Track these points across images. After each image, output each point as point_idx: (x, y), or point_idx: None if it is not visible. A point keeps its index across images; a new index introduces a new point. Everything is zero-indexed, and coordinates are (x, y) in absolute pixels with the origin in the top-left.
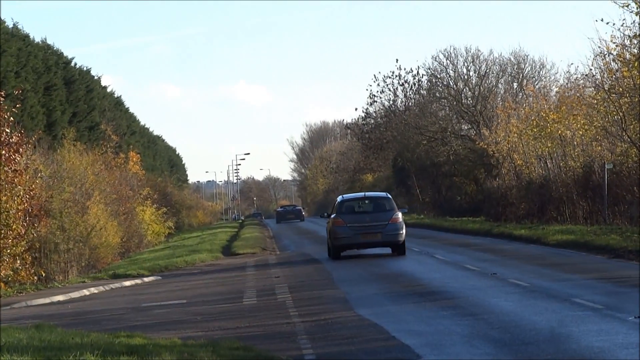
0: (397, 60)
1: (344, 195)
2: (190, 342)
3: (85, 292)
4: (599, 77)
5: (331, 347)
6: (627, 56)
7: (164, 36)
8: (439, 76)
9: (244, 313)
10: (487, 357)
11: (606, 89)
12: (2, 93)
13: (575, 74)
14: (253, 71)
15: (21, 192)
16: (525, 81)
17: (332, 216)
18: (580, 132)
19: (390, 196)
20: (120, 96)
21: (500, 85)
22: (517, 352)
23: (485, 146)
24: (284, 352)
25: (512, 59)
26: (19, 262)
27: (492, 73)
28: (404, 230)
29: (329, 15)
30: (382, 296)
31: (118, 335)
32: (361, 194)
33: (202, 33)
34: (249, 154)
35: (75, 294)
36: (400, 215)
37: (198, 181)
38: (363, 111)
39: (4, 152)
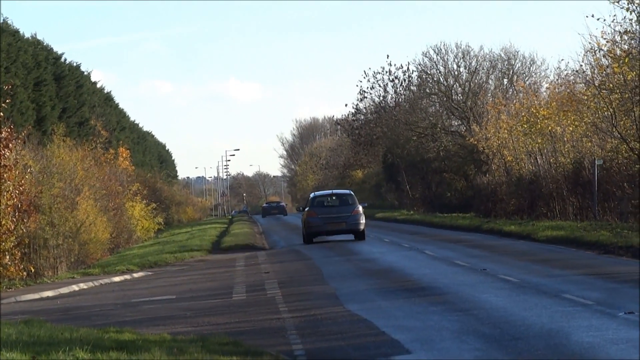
0: (387, 56)
1: (315, 193)
2: (180, 338)
3: (75, 287)
4: (589, 73)
5: (321, 343)
6: (618, 52)
7: (156, 33)
8: (429, 72)
9: (234, 308)
10: (476, 352)
11: (596, 85)
12: None
13: (565, 70)
14: (243, 68)
15: (10, 188)
16: (515, 77)
17: (306, 209)
18: (571, 128)
19: (352, 193)
20: (110, 92)
21: (490, 81)
22: (507, 347)
23: (476, 142)
24: (273, 348)
25: (503, 55)
26: (8, 257)
27: (483, 69)
28: (363, 220)
29: (319, 11)
30: (372, 292)
31: (107, 330)
32: (329, 191)
33: (193, 30)
34: (238, 149)
35: (64, 290)
36: (360, 208)
37: (188, 177)
38: (353, 107)
39: None
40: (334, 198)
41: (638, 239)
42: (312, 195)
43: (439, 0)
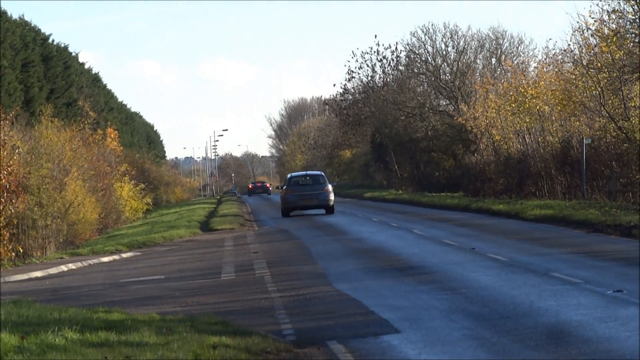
0: (375, 36)
1: (292, 174)
2: (169, 318)
3: (63, 268)
4: (577, 52)
5: (309, 322)
6: (606, 31)
7: (143, 13)
8: (417, 52)
9: (222, 288)
10: (465, 331)
11: (584, 64)
12: None
13: (553, 49)
14: (231, 48)
15: None
16: (503, 57)
17: (284, 187)
18: (559, 108)
19: (323, 174)
20: (98, 73)
21: (478, 61)
22: (496, 326)
23: (464, 122)
24: (262, 327)
25: (491, 34)
26: None
27: (471, 49)
28: (332, 197)
29: None
30: (361, 271)
31: (96, 310)
32: (304, 172)
33: (181, 9)
34: (227, 130)
35: (53, 270)
36: (330, 187)
37: (176, 157)
38: (341, 87)
39: None
40: (307, 178)
41: (638, 218)
42: (289, 176)
43: None
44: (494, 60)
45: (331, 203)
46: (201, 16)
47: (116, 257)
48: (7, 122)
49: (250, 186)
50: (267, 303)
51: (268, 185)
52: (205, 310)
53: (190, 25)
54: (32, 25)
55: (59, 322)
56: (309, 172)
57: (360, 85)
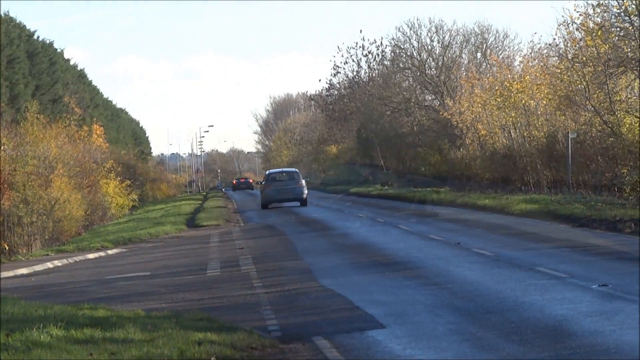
0: (360, 31)
1: (270, 170)
2: (154, 314)
3: (49, 265)
4: (562, 46)
5: (295, 318)
6: (591, 25)
7: (130, 8)
8: (402, 47)
9: (208, 284)
10: (450, 326)
11: (570, 58)
12: None
13: (539, 43)
14: (218, 44)
15: None
16: (489, 51)
17: (263, 183)
18: (544, 102)
19: (298, 171)
20: (84, 69)
21: (464, 56)
22: (481, 320)
23: (449, 116)
24: (247, 323)
25: (476, 29)
26: None
27: (456, 43)
28: (306, 191)
29: None
30: (346, 267)
31: (81, 307)
32: (280, 169)
33: (167, 5)
34: (212, 126)
35: (39, 267)
36: (304, 182)
37: (162, 154)
38: (327, 82)
39: None
40: (284, 174)
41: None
42: (267, 172)
43: None
44: (479, 54)
45: (304, 196)
46: (188, 11)
47: (102, 253)
48: None
49: (234, 182)
50: (253, 299)
51: (252, 181)
52: (190, 307)
53: (176, 21)
54: (18, 21)
55: (44, 319)
56: (284, 169)
57: (345, 80)
